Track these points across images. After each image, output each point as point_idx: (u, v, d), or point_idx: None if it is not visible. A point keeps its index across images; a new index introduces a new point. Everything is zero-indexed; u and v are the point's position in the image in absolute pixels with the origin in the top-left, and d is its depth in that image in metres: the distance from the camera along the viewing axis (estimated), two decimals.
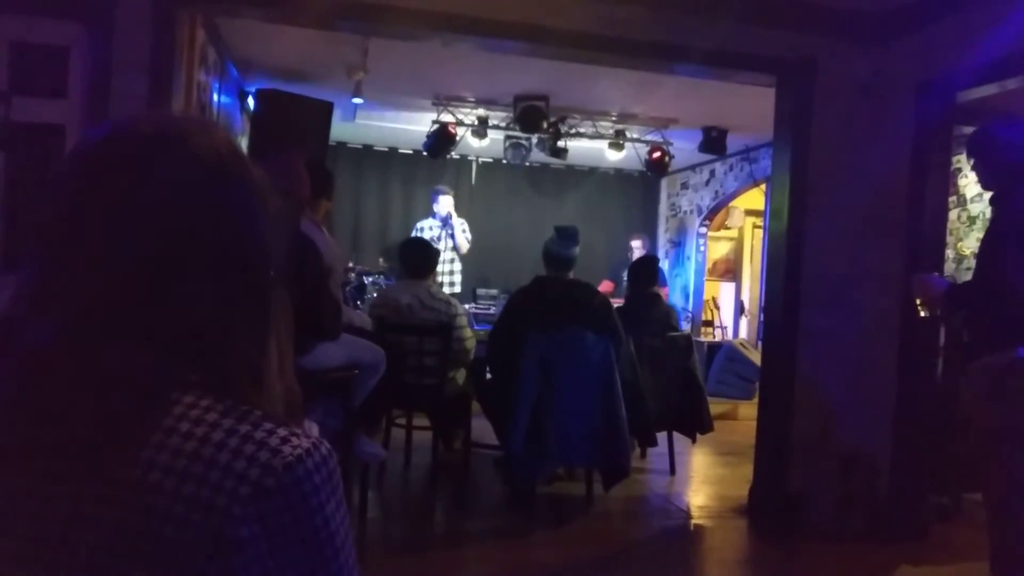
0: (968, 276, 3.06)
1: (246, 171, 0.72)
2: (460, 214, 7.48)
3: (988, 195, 2.68)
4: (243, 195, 0.71)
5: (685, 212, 8.82)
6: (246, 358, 0.68)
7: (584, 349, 3.77)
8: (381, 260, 7.04)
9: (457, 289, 7.38)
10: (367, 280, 6.33)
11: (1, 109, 3.04)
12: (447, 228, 7.08)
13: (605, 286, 7.38)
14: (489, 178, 8.79)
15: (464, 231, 7.21)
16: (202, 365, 0.66)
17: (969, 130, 3.03)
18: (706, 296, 8.66)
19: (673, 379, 4.46)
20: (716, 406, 4.87)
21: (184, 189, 0.67)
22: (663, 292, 6.92)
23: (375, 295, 5.70)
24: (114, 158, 0.68)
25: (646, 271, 4.87)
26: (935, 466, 3.83)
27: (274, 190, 0.75)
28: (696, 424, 4.52)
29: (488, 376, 4.46)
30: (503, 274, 8.45)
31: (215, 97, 4.68)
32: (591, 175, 9.00)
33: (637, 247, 7.75)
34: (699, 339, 7.33)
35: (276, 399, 0.71)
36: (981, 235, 3.09)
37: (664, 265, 8.70)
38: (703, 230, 8.54)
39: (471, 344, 4.27)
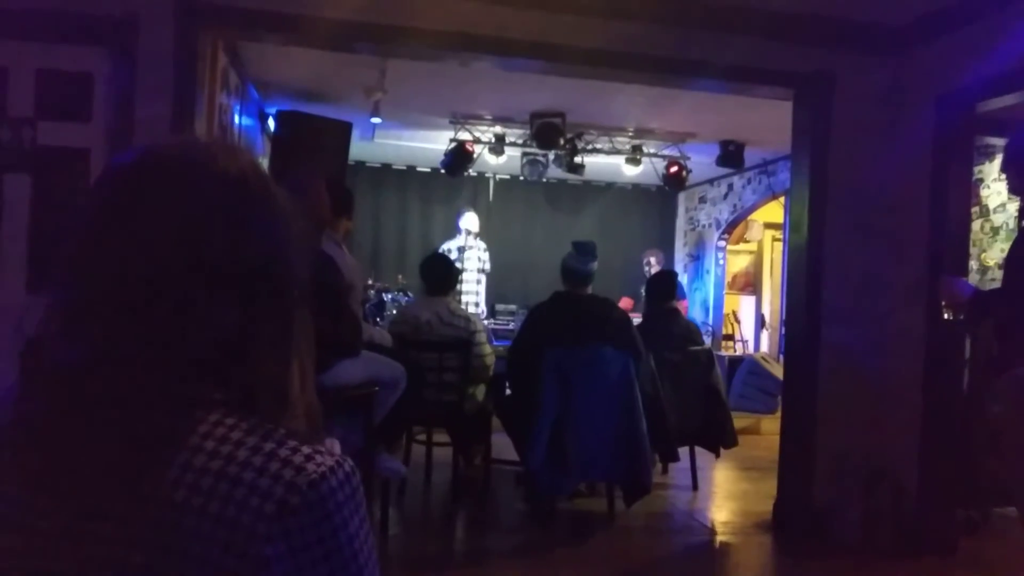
0: (993, 287, 3.02)
1: (270, 192, 0.73)
2: (479, 231, 7.53)
3: (1014, 205, 2.65)
4: (268, 215, 0.72)
5: (703, 226, 8.79)
6: (270, 376, 0.69)
7: (604, 364, 3.76)
8: (400, 277, 7.08)
9: (482, 308, 7.42)
10: (387, 297, 6.36)
11: (28, 133, 3.11)
12: (465, 251, 7.17)
13: (624, 303, 7.35)
14: (507, 195, 8.82)
15: (486, 250, 7.33)
16: (227, 383, 0.67)
17: (991, 140, 3.01)
18: (726, 310, 8.60)
19: (694, 393, 4.43)
20: (738, 420, 4.82)
21: (211, 211, 0.68)
22: (682, 306, 6.89)
23: (395, 312, 5.73)
24: (143, 182, 0.69)
25: (664, 285, 4.85)
26: (963, 480, 3.76)
27: (297, 211, 0.76)
28: (720, 438, 4.48)
29: (508, 392, 4.46)
30: (521, 290, 8.46)
31: (236, 119, 4.75)
32: (608, 190, 9.00)
33: (653, 262, 7.74)
34: (720, 353, 7.28)
35: (299, 417, 0.71)
36: (1005, 246, 3.05)
37: (683, 279, 8.67)
38: (722, 244, 8.51)
39: (491, 360, 4.26)
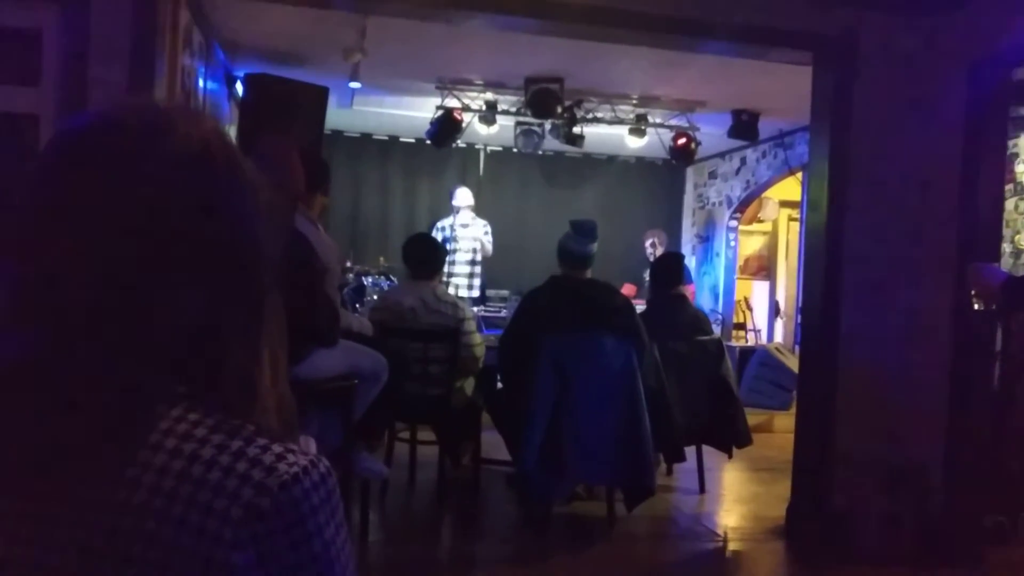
0: None
1: (237, 164, 0.72)
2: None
3: None
4: (234, 190, 0.71)
5: (714, 204, 8.81)
6: (238, 368, 0.69)
7: (604, 355, 3.77)
8: (381, 259, 7.07)
9: (476, 293, 7.41)
10: (367, 281, 6.36)
11: None
12: (455, 230, 7.16)
13: (627, 289, 7.37)
14: (498, 168, 8.81)
15: (487, 232, 7.36)
16: (190, 376, 0.66)
17: None
18: (737, 296, 8.64)
19: (702, 388, 4.45)
20: (750, 417, 4.84)
21: (170, 184, 0.68)
22: (689, 292, 6.90)
23: (375, 297, 5.71)
24: (94, 152, 0.68)
25: (670, 269, 4.86)
26: (992, 482, 3.80)
27: (267, 184, 0.75)
28: (732, 436, 4.51)
29: (499, 385, 4.46)
30: (514, 273, 8.46)
31: (201, 83, 4.71)
32: (610, 164, 9.01)
33: (656, 243, 7.75)
34: (730, 344, 7.30)
35: (270, 412, 0.71)
36: None
37: (691, 262, 8.68)
38: (733, 223, 8.52)
39: (480, 351, 4.27)
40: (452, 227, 7.25)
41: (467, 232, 7.28)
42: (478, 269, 7.42)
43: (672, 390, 4.24)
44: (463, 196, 7.26)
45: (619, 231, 8.66)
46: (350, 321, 3.67)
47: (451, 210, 7.32)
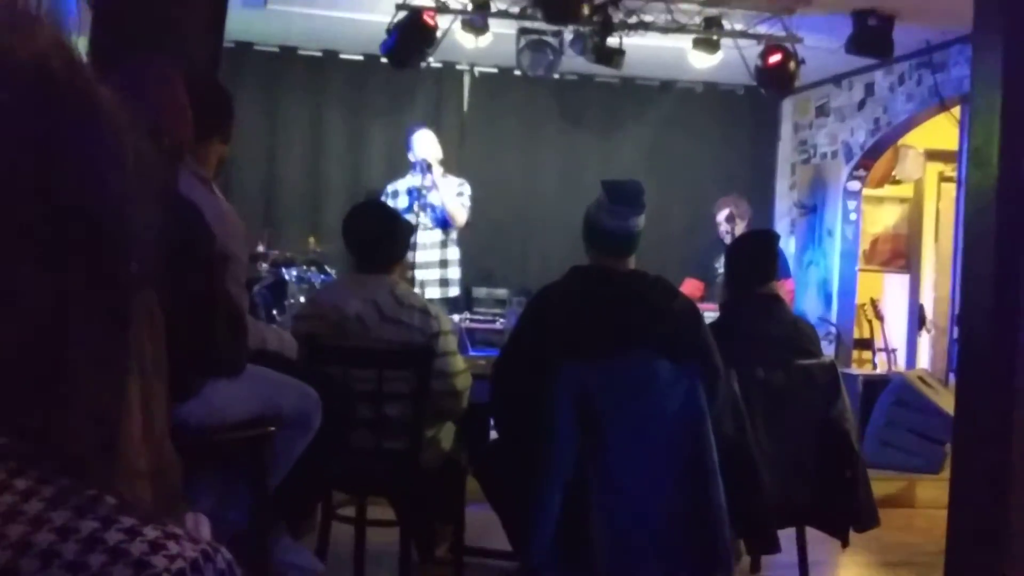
0: None
1: (89, 94, 0.72)
2: (443, 163, 7.51)
3: None
4: (84, 134, 0.71)
5: (824, 156, 8.83)
6: (90, 407, 0.69)
7: (655, 389, 3.78)
8: (312, 241, 7.07)
9: (453, 292, 7.41)
10: (289, 275, 6.37)
11: None
12: (423, 193, 7.11)
13: (689, 287, 7.38)
14: (491, 102, 8.85)
15: (462, 194, 7.24)
16: (15, 419, 0.66)
17: None
18: (860, 298, 8.66)
19: (806, 439, 4.46)
20: (879, 483, 4.85)
21: None
22: (786, 290, 6.89)
23: (302, 300, 5.71)
24: None
25: (756, 257, 4.86)
26: None
27: (135, 125, 0.75)
28: (850, 513, 4.52)
29: (493, 435, 4.46)
30: (515, 264, 8.51)
31: None
32: (663, 95, 9.06)
33: (731, 217, 7.74)
34: (849, 371, 7.31)
35: (140, 476, 0.71)
36: None
37: (788, 246, 8.70)
38: (855, 186, 8.55)
39: (463, 382, 4.29)
40: (414, 192, 7.23)
41: (434, 198, 7.26)
42: (454, 255, 7.41)
43: (760, 442, 4.24)
44: (425, 143, 7.23)
45: (677, 198, 8.70)
46: (264, 336, 3.67)
47: (410, 167, 7.31)
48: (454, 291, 7.42)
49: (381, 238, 4.30)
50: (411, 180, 7.23)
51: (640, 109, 9.05)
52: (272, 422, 3.20)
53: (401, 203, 7.09)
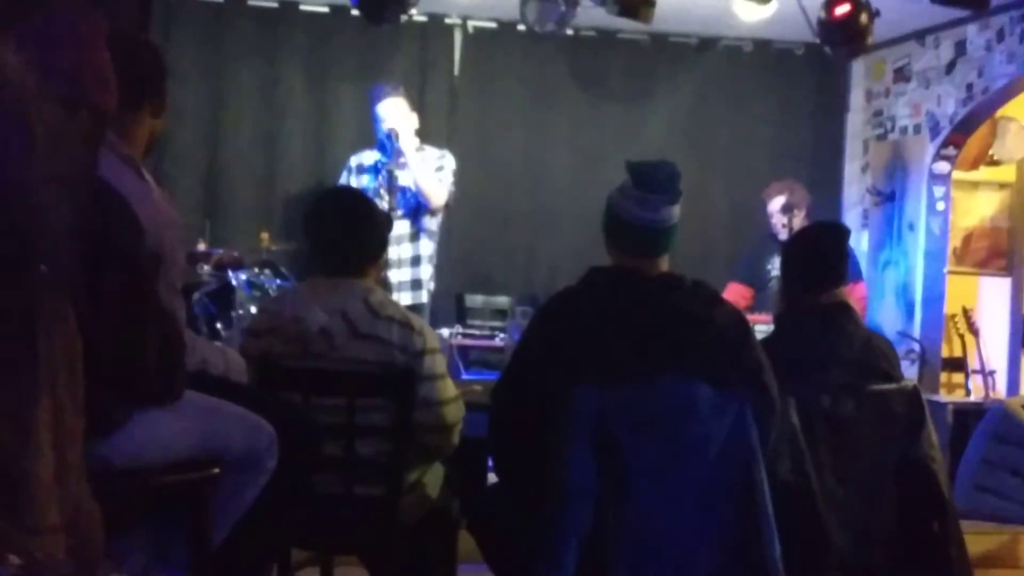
0: None
1: None
2: (429, 139, 7.49)
3: None
4: None
5: (904, 130, 8.81)
6: None
7: (692, 423, 3.77)
8: (266, 238, 7.07)
9: (424, 296, 7.39)
10: (237, 280, 6.36)
11: None
12: (392, 174, 7.10)
13: (735, 294, 7.38)
14: (488, 65, 8.85)
15: (441, 168, 7.21)
16: None
17: None
18: (950, 308, 8.62)
19: (883, 483, 4.46)
20: (975, 538, 4.84)
21: None
22: (856, 297, 6.88)
23: (254, 310, 5.70)
24: None
25: (820, 257, 4.85)
26: None
27: (45, 93, 0.75)
28: (938, 573, 4.50)
29: (491, 480, 4.45)
30: (519, 266, 8.51)
31: None
32: (703, 56, 9.06)
33: (788, 207, 7.71)
34: (936, 398, 7.29)
35: (52, 529, 0.71)
36: None
37: (859, 242, 8.69)
38: (943, 167, 8.52)
39: (454, 413, 4.29)
40: (380, 169, 7.21)
41: (406, 179, 7.22)
42: (427, 249, 7.40)
43: (826, 488, 4.24)
44: (392, 113, 7.21)
45: (721, 183, 8.72)
46: (205, 355, 3.68)
47: (376, 139, 7.28)
48: (425, 296, 7.45)
49: (353, 233, 4.29)
50: (378, 155, 7.22)
51: (674, 73, 9.03)
52: (215, 463, 3.20)
53: (365, 181, 7.09)
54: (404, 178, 7.14)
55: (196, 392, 3.22)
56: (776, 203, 7.82)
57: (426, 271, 7.42)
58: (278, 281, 6.47)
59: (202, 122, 8.39)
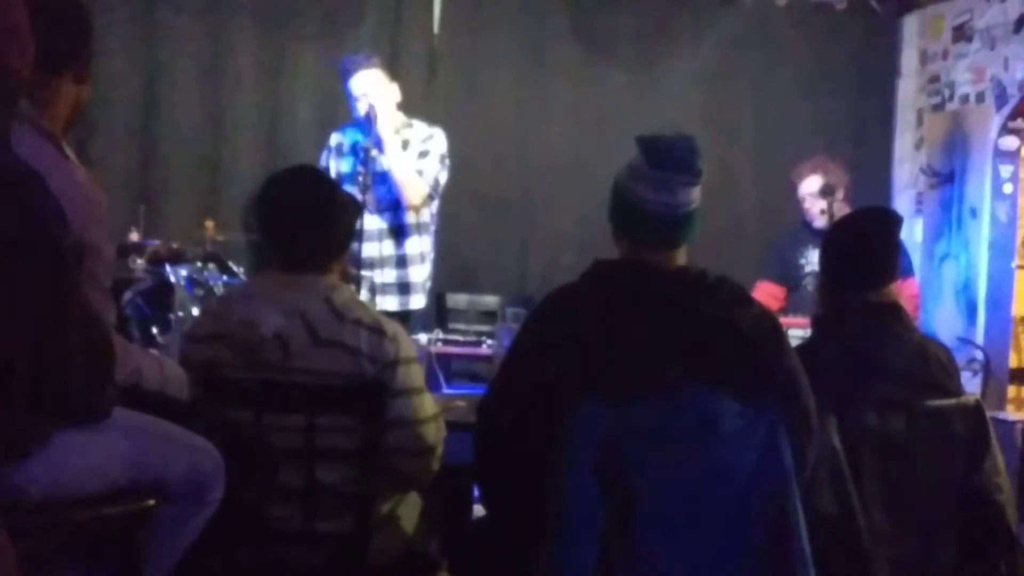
0: None
1: None
2: (407, 112, 7.49)
3: None
4: None
5: (965, 99, 8.81)
6: None
7: (714, 444, 3.77)
8: (210, 227, 7.05)
9: (417, 302, 7.36)
10: (177, 276, 6.35)
11: None
12: (371, 157, 7.08)
13: (766, 293, 7.39)
14: (474, 19, 8.84)
15: (425, 153, 7.19)
16: None
17: None
18: (1019, 309, 8.61)
19: (940, 515, 4.47)
20: None
21: None
22: (906, 295, 6.86)
23: (196, 312, 5.70)
24: None
25: (867, 249, 4.86)
26: None
27: None
28: None
29: (478, 512, 4.44)
30: (510, 260, 8.52)
31: None
32: (727, 11, 9.05)
33: (824, 189, 7.67)
34: (1003, 415, 7.28)
35: None
36: None
37: (911, 232, 8.68)
38: (1011, 143, 8.51)
39: (433, 434, 4.30)
40: (361, 152, 7.19)
41: (389, 159, 7.19)
42: (417, 247, 7.39)
43: (873, 521, 4.24)
44: (369, 83, 7.19)
45: (748, 161, 8.72)
46: (139, 365, 3.67)
47: (355, 119, 7.26)
48: (418, 301, 7.41)
49: (313, 221, 4.30)
50: (357, 133, 7.21)
51: (694, 32, 9.06)
52: (151, 493, 3.19)
53: (344, 165, 7.08)
54: (385, 163, 7.11)
55: (128, 410, 3.22)
56: (809, 185, 7.78)
57: (418, 272, 7.36)
58: (225, 278, 6.45)
59: (135, 91, 8.36)
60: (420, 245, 7.38)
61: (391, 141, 7.04)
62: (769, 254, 8.19)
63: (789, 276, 7.74)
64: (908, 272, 7.56)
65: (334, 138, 7.40)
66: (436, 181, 7.25)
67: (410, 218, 7.28)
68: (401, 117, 7.23)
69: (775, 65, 9.10)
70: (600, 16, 8.86)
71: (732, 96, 8.96)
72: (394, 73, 7.59)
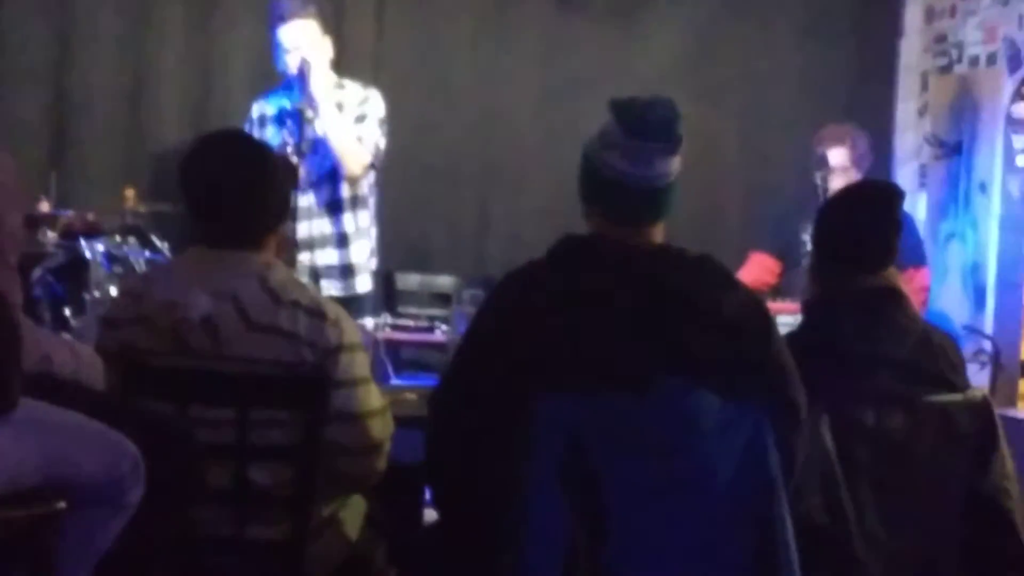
0: None
1: None
2: (349, 71, 7.47)
3: None
4: None
5: (974, 61, 8.85)
6: None
7: (694, 443, 3.79)
8: (130, 196, 7.03)
9: (363, 286, 7.35)
10: (93, 251, 6.33)
11: None
12: (304, 120, 7.05)
13: (758, 269, 7.41)
14: None
15: (363, 117, 7.17)
16: None
17: None
18: None
19: (943, 523, 4.49)
20: None
21: None
22: (916, 286, 6.88)
23: (114, 292, 5.68)
24: None
25: (864, 227, 4.87)
26: None
27: None
28: None
29: (430, 516, 4.44)
30: (467, 236, 8.51)
31: None
32: None
33: (823, 158, 7.66)
34: (1012, 412, 7.32)
35: None
36: None
37: (913, 207, 8.69)
38: (1023, 114, 8.53)
39: (379, 429, 4.31)
40: (289, 118, 7.16)
41: (326, 124, 7.15)
42: (359, 224, 7.40)
43: (868, 529, 4.26)
44: (301, 34, 7.13)
45: (734, 128, 8.74)
46: (49, 351, 3.69)
47: (281, 78, 7.23)
48: (364, 283, 7.41)
49: (246, 191, 4.29)
50: (284, 101, 7.17)
51: None
52: (62, 494, 3.19)
53: (269, 137, 7.02)
54: (319, 128, 7.07)
55: (36, 401, 3.21)
56: (837, 156, 7.66)
57: (359, 251, 7.33)
58: (147, 254, 6.43)
59: (46, 44, 8.27)
60: (359, 220, 7.37)
61: (326, 103, 7.01)
62: (767, 221, 8.18)
63: (788, 250, 7.68)
64: (920, 261, 7.56)
65: (255, 109, 7.35)
66: (377, 148, 7.21)
67: (345, 191, 7.24)
68: (333, 77, 7.20)
69: (763, 21, 9.09)
70: None
71: (716, 56, 8.93)
72: (337, 28, 7.56)
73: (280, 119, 7.14)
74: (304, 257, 6.96)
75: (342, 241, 7.28)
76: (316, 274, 7.03)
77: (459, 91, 8.71)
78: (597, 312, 3.90)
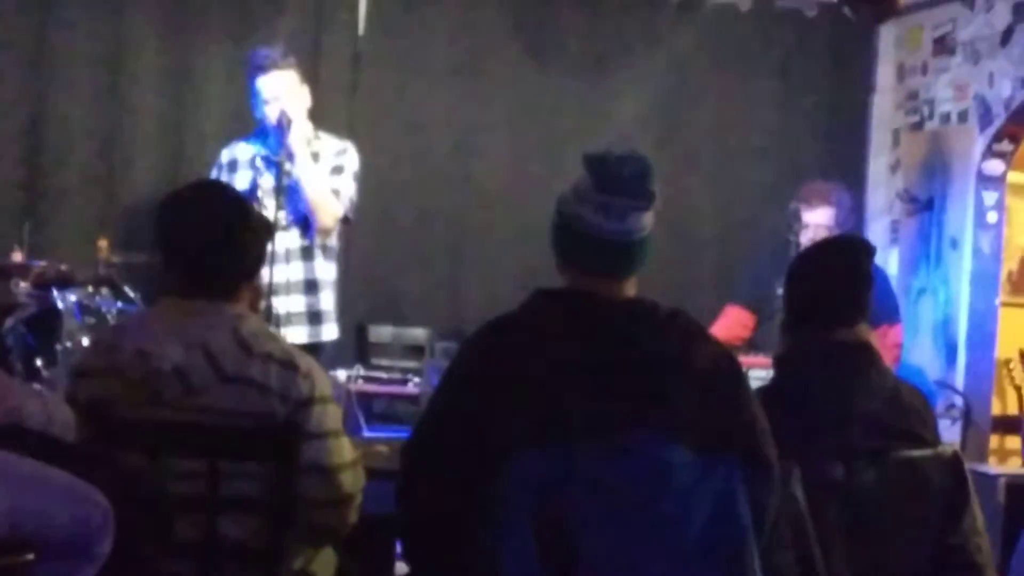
0: None
1: None
2: (323, 122, 7.46)
3: None
4: None
5: (946, 118, 8.85)
6: None
7: (665, 497, 3.78)
8: (104, 247, 7.00)
9: (329, 333, 7.33)
10: (65, 301, 6.31)
11: None
12: (280, 169, 7.03)
13: (733, 323, 7.40)
14: (404, 18, 8.81)
15: (339, 169, 7.15)
16: None
17: None
18: (1003, 350, 8.66)
19: (913, 575, 4.48)
20: None
21: None
22: (888, 343, 6.88)
23: (86, 342, 5.66)
24: None
25: (836, 282, 4.88)
26: None
27: None
28: None
29: (401, 570, 4.42)
30: (440, 288, 8.47)
31: None
32: (686, 16, 9.05)
33: (826, 220, 7.60)
34: (982, 468, 7.32)
35: None
36: None
37: (885, 262, 8.69)
38: (995, 167, 8.55)
39: (350, 482, 4.29)
40: (264, 165, 7.14)
41: (302, 174, 7.13)
42: (327, 273, 7.38)
43: None
44: (280, 86, 7.13)
45: (708, 183, 8.74)
46: (20, 403, 3.65)
47: (256, 123, 7.21)
48: (330, 331, 7.38)
49: (221, 242, 4.28)
50: (257, 147, 7.15)
51: (648, 38, 9.06)
52: (30, 547, 3.17)
53: (240, 182, 6.99)
54: (301, 173, 7.03)
55: (5, 452, 3.20)
56: (820, 216, 7.53)
57: (328, 299, 7.33)
58: (119, 304, 6.41)
59: (20, 93, 8.28)
60: (329, 270, 7.36)
61: (303, 153, 6.99)
62: (742, 275, 8.15)
63: (762, 304, 7.64)
64: (894, 317, 7.50)
65: (225, 154, 7.33)
66: (351, 202, 7.21)
67: (317, 238, 7.22)
68: (310, 129, 7.20)
69: (738, 78, 9.12)
70: (546, 19, 8.85)
71: (690, 112, 8.95)
72: (313, 79, 7.55)
73: (254, 165, 7.12)
74: (272, 302, 6.90)
75: (311, 288, 7.26)
76: (278, 321, 6.95)
77: (433, 144, 8.71)
78: (568, 366, 3.89)
